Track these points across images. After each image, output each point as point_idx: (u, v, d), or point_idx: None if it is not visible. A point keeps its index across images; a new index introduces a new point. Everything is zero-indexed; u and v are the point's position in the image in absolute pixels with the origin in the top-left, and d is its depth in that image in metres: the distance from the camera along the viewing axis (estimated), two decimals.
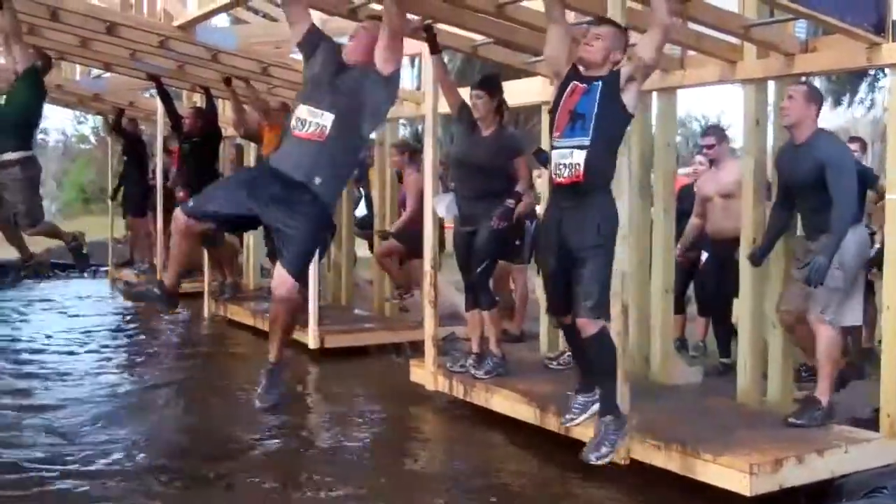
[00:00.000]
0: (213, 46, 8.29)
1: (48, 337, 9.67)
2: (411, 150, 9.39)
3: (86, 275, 15.46)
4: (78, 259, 8.44)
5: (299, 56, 9.54)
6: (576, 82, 4.83)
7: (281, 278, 4.84)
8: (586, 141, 4.66)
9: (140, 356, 8.80)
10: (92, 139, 38.82)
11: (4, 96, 7.43)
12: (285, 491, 4.95)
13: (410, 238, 8.99)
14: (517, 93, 7.18)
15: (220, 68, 9.10)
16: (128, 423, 6.30)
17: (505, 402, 6.07)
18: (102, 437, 5.89)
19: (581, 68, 4.87)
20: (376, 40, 4.97)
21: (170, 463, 5.42)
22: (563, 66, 4.95)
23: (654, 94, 6.49)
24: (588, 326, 4.71)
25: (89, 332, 9.99)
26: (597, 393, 5.12)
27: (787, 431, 5.10)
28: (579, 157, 4.66)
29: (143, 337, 10.03)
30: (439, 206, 6.72)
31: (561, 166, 4.75)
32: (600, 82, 4.73)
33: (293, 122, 4.92)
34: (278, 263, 4.89)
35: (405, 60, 10.54)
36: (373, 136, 8.28)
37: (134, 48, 8.91)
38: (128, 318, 11.31)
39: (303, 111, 4.91)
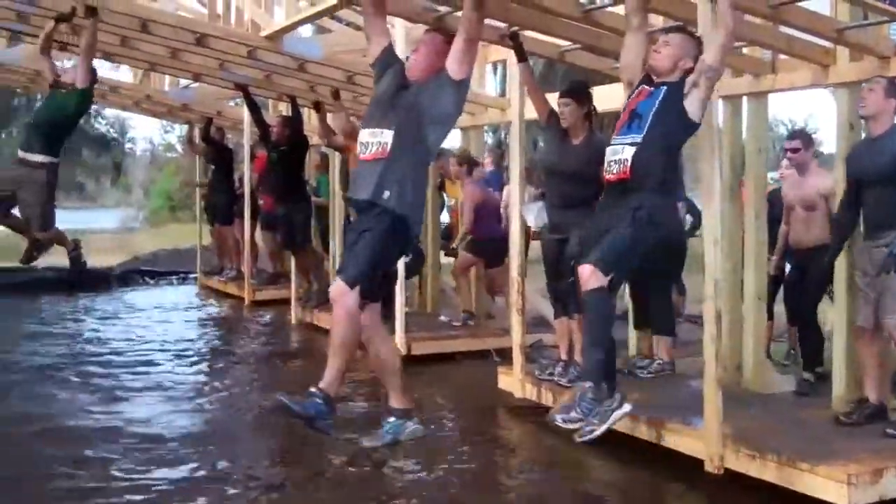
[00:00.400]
0: (300, 56, 8.38)
1: (134, 342, 9.84)
2: (470, 162, 9.33)
3: (175, 281, 15.75)
4: (74, 267, 8.38)
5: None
6: (644, 86, 4.79)
7: (337, 289, 4.76)
8: (638, 138, 4.60)
9: (226, 363, 8.89)
10: (178, 148, 39.55)
11: (48, 100, 7.64)
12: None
13: (485, 249, 9.01)
14: (603, 98, 7.09)
15: (306, 77, 9.20)
16: (213, 433, 6.37)
17: None
18: (189, 447, 5.96)
19: (653, 76, 4.82)
20: (438, 53, 4.99)
21: (256, 473, 5.44)
22: (637, 74, 4.91)
23: (745, 98, 6.40)
24: (589, 277, 4.44)
25: (177, 340, 10.12)
26: (615, 399, 4.72)
27: (887, 441, 4.97)
28: (629, 153, 4.59)
29: (229, 345, 10.15)
30: (528, 215, 6.69)
31: (612, 163, 4.68)
32: (665, 87, 4.69)
33: (358, 149, 4.97)
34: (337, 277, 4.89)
35: (488, 67, 10.59)
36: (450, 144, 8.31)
37: (223, 59, 9.06)
38: (214, 325, 11.49)
39: (364, 135, 4.96)
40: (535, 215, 6.63)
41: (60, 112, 7.45)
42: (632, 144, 4.60)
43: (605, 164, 4.76)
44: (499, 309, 9.65)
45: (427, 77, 4.96)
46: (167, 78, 12.18)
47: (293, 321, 11.01)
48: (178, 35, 8.20)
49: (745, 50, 6.15)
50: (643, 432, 5.59)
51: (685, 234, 6.99)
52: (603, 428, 4.60)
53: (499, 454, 5.93)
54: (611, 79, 7.07)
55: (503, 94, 11.95)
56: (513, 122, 6.83)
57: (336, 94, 9.38)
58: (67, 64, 9.17)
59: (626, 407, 4.69)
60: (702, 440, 5.06)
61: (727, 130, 6.30)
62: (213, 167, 13.79)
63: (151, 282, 15.67)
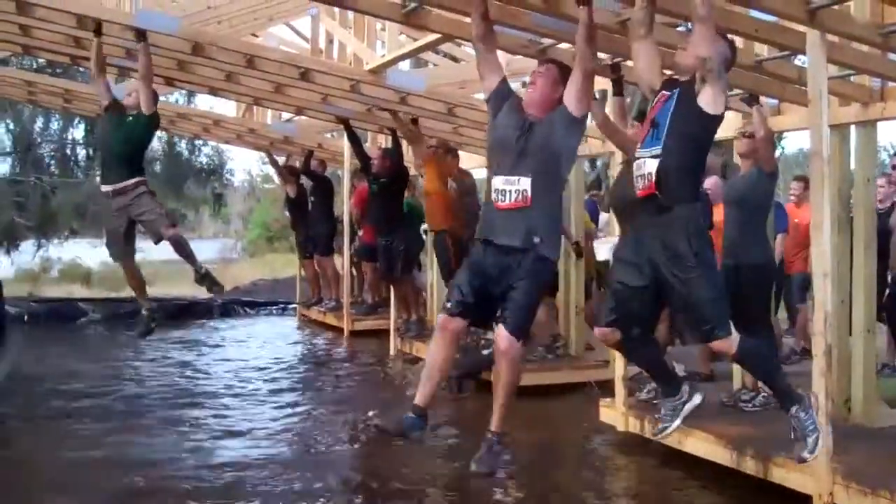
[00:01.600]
0: (403, 89, 8.48)
1: (232, 373, 10.01)
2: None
3: (274, 311, 15.98)
4: (212, 285, 7.96)
5: (480, 96, 9.80)
6: (664, 91, 4.63)
7: (507, 340, 4.70)
8: (658, 149, 4.47)
9: (327, 393, 8.99)
10: (276, 179, 40.19)
11: (118, 128, 7.52)
12: None
13: None
14: None
15: (407, 110, 9.31)
16: (314, 464, 6.45)
17: (699, 444, 5.95)
18: (291, 479, 6.04)
19: (677, 77, 4.66)
20: (554, 85, 4.93)
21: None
22: (655, 81, 4.73)
23: (853, 127, 6.30)
24: (724, 347, 4.49)
25: (277, 368, 10.27)
26: (683, 393, 4.83)
27: None
28: (652, 165, 4.46)
29: (330, 375, 10.25)
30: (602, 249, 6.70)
31: (638, 178, 4.57)
32: (678, 89, 4.53)
33: (493, 195, 4.88)
34: (500, 326, 4.76)
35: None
36: None
37: (326, 92, 9.22)
38: (313, 355, 11.63)
39: (498, 182, 4.85)
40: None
41: (136, 138, 7.50)
42: (654, 157, 4.47)
43: (634, 181, 4.66)
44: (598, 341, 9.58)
45: (546, 112, 4.90)
46: (269, 112, 12.44)
47: (392, 352, 11.08)
48: (282, 70, 8.38)
49: (853, 78, 6.06)
50: (749, 466, 5.52)
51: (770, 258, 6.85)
52: (677, 422, 4.79)
53: (604, 489, 5.89)
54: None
55: None
56: (614, 154, 6.81)
57: (415, 122, 9.53)
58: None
59: (697, 398, 4.79)
60: (811, 475, 4.97)
61: (835, 160, 6.20)
62: (312, 199, 13.98)
63: (252, 312, 15.92)
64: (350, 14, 8.38)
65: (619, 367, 6.71)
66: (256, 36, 9.39)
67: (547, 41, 6.00)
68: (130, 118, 7.42)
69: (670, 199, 4.44)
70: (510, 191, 4.81)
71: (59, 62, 12.78)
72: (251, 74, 8.73)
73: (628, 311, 4.65)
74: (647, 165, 4.49)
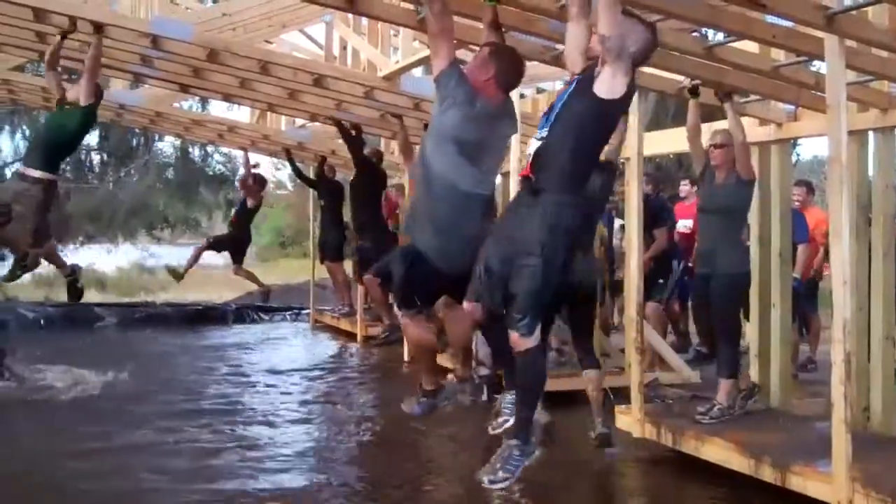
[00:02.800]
0: (418, 95, 8.47)
1: (252, 374, 10.01)
2: None
3: (288, 317, 15.99)
4: (71, 292, 8.26)
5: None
6: (576, 76, 4.42)
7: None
8: (545, 132, 4.33)
9: (347, 397, 8.98)
10: (289, 185, 40.19)
11: (51, 116, 7.57)
12: None
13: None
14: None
15: (421, 116, 9.29)
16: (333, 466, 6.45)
17: (717, 452, 5.92)
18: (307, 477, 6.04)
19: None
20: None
21: None
22: (577, 66, 4.45)
23: (871, 133, 6.26)
24: (518, 343, 4.32)
25: (296, 372, 10.26)
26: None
27: None
28: (532, 148, 4.35)
29: (341, 380, 10.24)
30: None
31: (524, 158, 4.53)
32: (579, 76, 4.36)
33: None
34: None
35: None
36: None
37: (340, 99, 9.22)
38: (327, 358, 11.64)
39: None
40: None
41: (63, 129, 7.39)
42: (538, 139, 4.35)
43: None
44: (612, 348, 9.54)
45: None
46: (283, 118, 12.44)
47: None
48: (296, 76, 8.38)
49: (871, 84, 6.03)
50: (767, 474, 5.48)
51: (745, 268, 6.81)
52: (515, 476, 4.54)
53: (620, 496, 5.87)
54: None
55: None
56: (631, 159, 6.78)
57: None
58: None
59: (536, 454, 4.62)
60: (830, 484, 4.93)
61: (853, 166, 6.16)
62: (322, 204, 14.00)
63: (266, 318, 15.94)
64: (364, 20, 8.38)
65: (634, 373, 6.68)
66: (270, 42, 9.39)
67: (562, 47, 5.95)
68: (66, 108, 7.34)
69: (540, 185, 4.30)
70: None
71: (74, 69, 12.79)
72: (265, 81, 8.74)
73: (487, 287, 4.50)
74: (531, 147, 4.38)
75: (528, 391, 4.52)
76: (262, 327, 15.17)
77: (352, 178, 11.11)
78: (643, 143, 6.73)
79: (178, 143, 21.23)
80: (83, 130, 7.68)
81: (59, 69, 7.65)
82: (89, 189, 20.33)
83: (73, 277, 8.10)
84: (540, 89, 10.61)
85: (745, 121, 6.95)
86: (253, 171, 13.64)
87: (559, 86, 11.30)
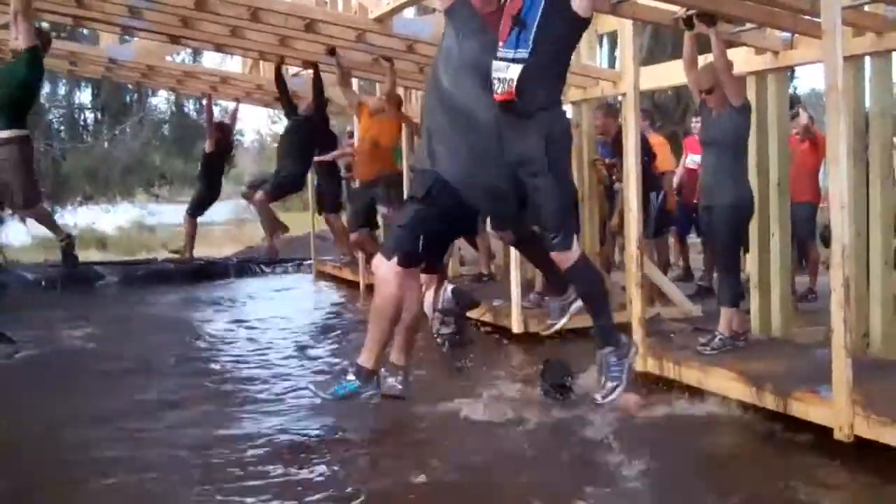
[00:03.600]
0: (411, 37, 8.39)
1: (249, 328, 10.01)
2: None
3: (290, 269, 15.98)
4: (66, 258, 8.27)
5: None
6: None
7: None
8: (525, 52, 4.28)
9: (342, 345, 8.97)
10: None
11: (4, 71, 7.40)
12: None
13: None
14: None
15: (415, 59, 9.22)
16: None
17: (720, 382, 5.95)
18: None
19: None
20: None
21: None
22: None
23: (867, 58, 6.21)
24: (562, 259, 4.44)
25: (301, 331, 10.25)
26: (570, 293, 4.87)
27: None
28: (514, 72, 4.28)
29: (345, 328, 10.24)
30: None
31: (496, 81, 4.39)
32: None
33: None
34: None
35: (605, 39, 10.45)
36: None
37: (331, 44, 9.13)
38: (332, 308, 11.65)
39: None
40: None
41: (14, 80, 7.25)
42: (517, 61, 4.29)
43: (492, 82, 4.48)
44: (613, 283, 9.52)
45: None
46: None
47: None
48: (287, 22, 8.30)
49: (866, 7, 5.96)
50: (769, 401, 5.50)
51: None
52: (563, 320, 5.01)
53: (619, 430, 5.88)
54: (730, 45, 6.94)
55: (611, 66, 11.84)
56: (627, 95, 6.74)
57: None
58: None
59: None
60: (831, 408, 4.95)
61: (849, 92, 6.11)
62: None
63: (268, 270, 15.94)
64: None
65: (636, 308, 6.68)
66: None
67: None
68: (12, 61, 7.25)
69: (530, 106, 4.30)
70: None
71: (62, 24, 12.69)
72: (256, 28, 8.66)
73: (504, 213, 4.70)
74: (510, 71, 4.30)
75: (593, 298, 4.64)
76: (266, 280, 15.17)
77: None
78: (640, 77, 6.66)
79: (172, 98, 21.11)
80: (33, 76, 7.42)
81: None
82: (85, 148, 20.26)
83: (68, 242, 8.05)
84: None
85: (740, 50, 6.93)
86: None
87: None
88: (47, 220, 8.16)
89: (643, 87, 6.85)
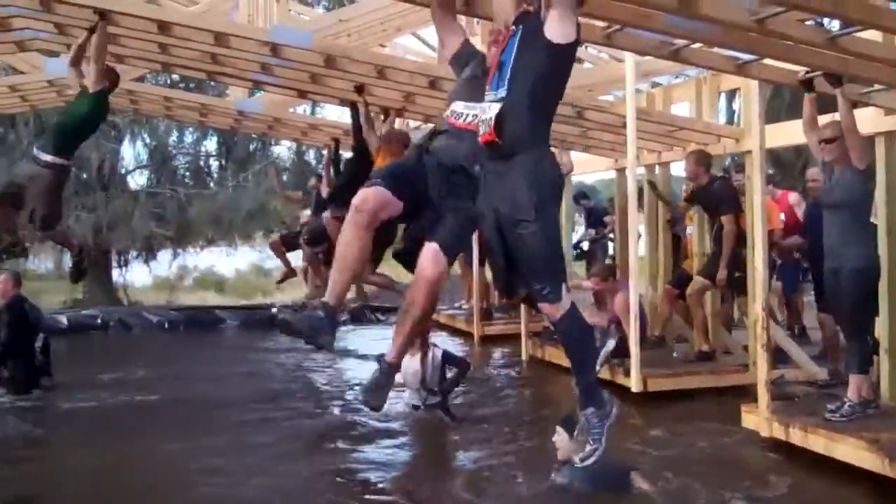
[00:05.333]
0: None
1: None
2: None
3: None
4: (74, 272, 8.53)
5: (608, 98, 9.73)
6: (513, 26, 4.24)
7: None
8: (504, 91, 4.11)
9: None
10: None
11: (68, 107, 7.67)
12: None
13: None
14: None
15: None
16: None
17: (849, 451, 5.79)
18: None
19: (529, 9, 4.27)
20: None
21: None
22: (510, 16, 4.32)
23: None
24: (550, 311, 4.17)
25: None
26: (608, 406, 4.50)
27: None
28: (493, 110, 4.12)
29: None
30: None
31: (481, 123, 4.24)
32: (522, 23, 4.19)
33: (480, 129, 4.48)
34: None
35: (722, 96, 10.40)
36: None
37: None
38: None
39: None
40: None
41: (74, 116, 7.51)
42: (497, 101, 4.13)
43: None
44: (735, 344, 9.37)
45: None
46: (397, 120, 12.53)
47: (524, 357, 11.04)
48: (413, 80, 8.44)
49: None
50: None
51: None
52: (603, 443, 4.47)
53: (750, 497, 5.78)
54: (861, 104, 6.84)
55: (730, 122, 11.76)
56: (753, 153, 6.68)
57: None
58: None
59: (615, 411, 4.54)
60: None
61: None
62: None
63: (382, 318, 16.06)
64: (475, 20, 8.40)
65: (761, 370, 6.57)
66: (384, 46, 9.47)
67: (681, 41, 5.90)
68: (79, 98, 7.44)
69: (512, 145, 4.13)
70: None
71: (193, 78, 13.14)
72: (382, 85, 8.82)
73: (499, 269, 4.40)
74: (491, 109, 4.16)
75: (581, 353, 4.37)
76: (379, 329, 15.28)
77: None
78: (765, 136, 6.60)
79: (293, 146, 21.59)
80: (94, 117, 7.65)
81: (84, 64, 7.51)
82: (209, 195, 20.83)
83: (79, 258, 8.30)
84: (655, 83, 10.54)
85: (869, 110, 6.81)
86: None
87: (675, 80, 11.23)
88: (63, 238, 8.47)
89: (767, 146, 6.76)
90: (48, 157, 7.43)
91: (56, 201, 7.62)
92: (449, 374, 8.02)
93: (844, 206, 6.43)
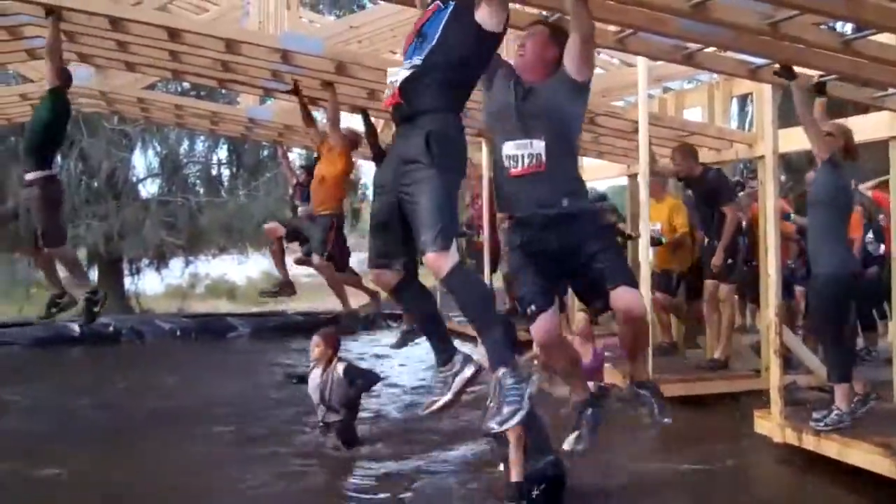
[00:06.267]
0: None
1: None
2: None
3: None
4: (86, 313, 7.67)
5: (620, 103, 9.71)
6: (438, 2, 4.15)
7: (637, 296, 4.39)
8: (419, 60, 4.01)
9: None
10: None
11: (33, 116, 7.41)
12: None
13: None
14: (865, 128, 6.89)
15: None
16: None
17: (862, 455, 5.76)
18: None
19: None
20: (545, 46, 4.53)
21: None
22: None
23: None
24: (438, 264, 3.83)
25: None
26: (456, 363, 4.15)
27: None
28: (402, 76, 4.01)
29: None
30: None
31: (387, 88, 4.13)
32: (454, 1, 4.08)
33: (505, 163, 4.43)
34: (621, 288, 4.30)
35: (734, 101, 10.39)
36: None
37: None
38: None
39: (509, 148, 4.42)
40: None
41: (37, 124, 7.30)
42: (410, 68, 4.02)
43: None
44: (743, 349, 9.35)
45: (543, 76, 4.50)
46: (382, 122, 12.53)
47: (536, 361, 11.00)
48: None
49: None
50: None
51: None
52: (447, 396, 4.08)
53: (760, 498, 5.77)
54: (874, 109, 6.82)
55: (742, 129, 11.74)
56: (766, 157, 6.66)
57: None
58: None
59: (468, 370, 4.11)
60: None
61: None
62: None
63: (395, 325, 16.03)
64: None
65: (773, 376, 6.54)
66: (395, 52, 9.47)
67: (693, 46, 5.88)
68: (40, 100, 7.27)
69: (414, 109, 3.98)
70: (522, 155, 4.39)
71: (204, 85, 13.15)
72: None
73: (384, 246, 4.15)
74: (400, 74, 4.05)
75: (477, 309, 4.02)
76: (392, 335, 15.24)
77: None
78: (778, 140, 6.57)
79: (304, 153, 21.62)
80: (55, 117, 7.32)
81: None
82: (220, 203, 20.86)
83: (92, 298, 7.61)
84: (667, 88, 10.52)
85: (883, 114, 6.78)
86: None
87: (688, 85, 11.19)
88: (73, 264, 7.95)
89: (780, 150, 6.73)
90: (31, 175, 7.26)
91: (53, 215, 7.36)
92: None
93: (819, 204, 6.29)
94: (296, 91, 8.88)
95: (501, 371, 3.86)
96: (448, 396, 4.04)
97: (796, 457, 6.41)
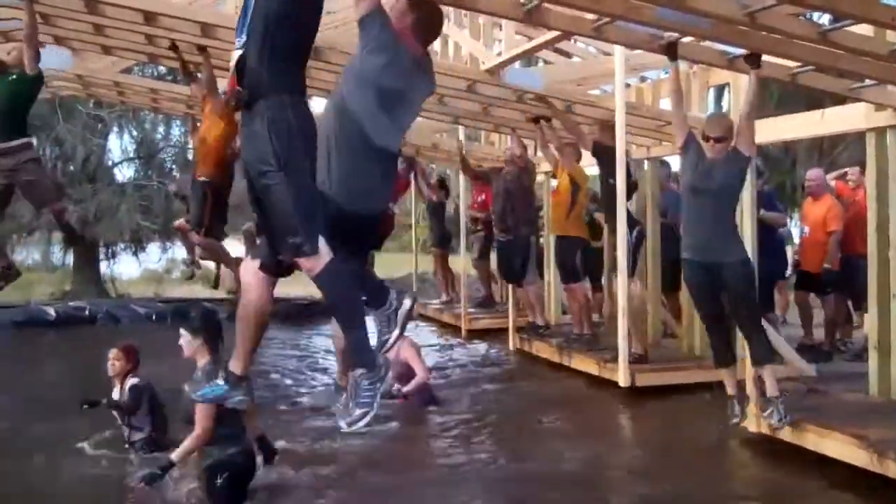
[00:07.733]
0: (521, 88, 8.42)
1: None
2: None
3: None
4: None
5: (597, 92, 9.71)
6: None
7: None
8: (244, 38, 3.82)
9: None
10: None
11: (2, 89, 7.46)
12: None
13: None
14: (839, 120, 6.89)
15: (524, 108, 9.25)
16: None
17: (837, 446, 5.78)
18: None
19: None
20: None
21: None
22: None
23: None
24: (309, 266, 3.77)
25: None
26: (391, 301, 4.11)
27: None
28: (234, 58, 3.84)
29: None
30: None
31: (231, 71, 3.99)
32: None
33: None
34: None
35: (711, 91, 10.36)
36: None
37: (442, 93, 9.19)
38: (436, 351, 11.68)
39: None
40: None
41: (20, 97, 7.47)
42: (240, 48, 3.84)
43: None
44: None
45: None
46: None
47: (511, 349, 11.05)
48: None
49: None
50: (891, 469, 5.31)
51: None
52: (397, 331, 4.05)
53: (735, 492, 5.78)
54: (851, 100, 6.82)
55: None
56: None
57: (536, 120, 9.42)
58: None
59: (407, 302, 4.10)
60: None
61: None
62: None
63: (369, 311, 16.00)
64: (464, 14, 8.37)
65: (748, 366, 6.55)
66: None
67: (670, 34, 5.87)
68: (14, 77, 7.38)
69: (251, 92, 3.79)
70: None
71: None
72: None
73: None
74: (233, 57, 3.88)
75: (345, 307, 4.00)
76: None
77: None
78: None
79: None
80: (34, 97, 7.69)
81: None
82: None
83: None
84: (643, 78, 10.50)
85: (860, 105, 6.77)
86: None
87: (664, 75, 11.20)
88: (62, 214, 8.75)
89: (756, 141, 6.71)
90: (18, 141, 7.36)
91: (46, 173, 7.75)
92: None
93: (723, 193, 6.23)
94: (173, 47, 8.52)
95: (359, 372, 3.89)
96: (396, 331, 4.05)
97: (771, 447, 6.43)
